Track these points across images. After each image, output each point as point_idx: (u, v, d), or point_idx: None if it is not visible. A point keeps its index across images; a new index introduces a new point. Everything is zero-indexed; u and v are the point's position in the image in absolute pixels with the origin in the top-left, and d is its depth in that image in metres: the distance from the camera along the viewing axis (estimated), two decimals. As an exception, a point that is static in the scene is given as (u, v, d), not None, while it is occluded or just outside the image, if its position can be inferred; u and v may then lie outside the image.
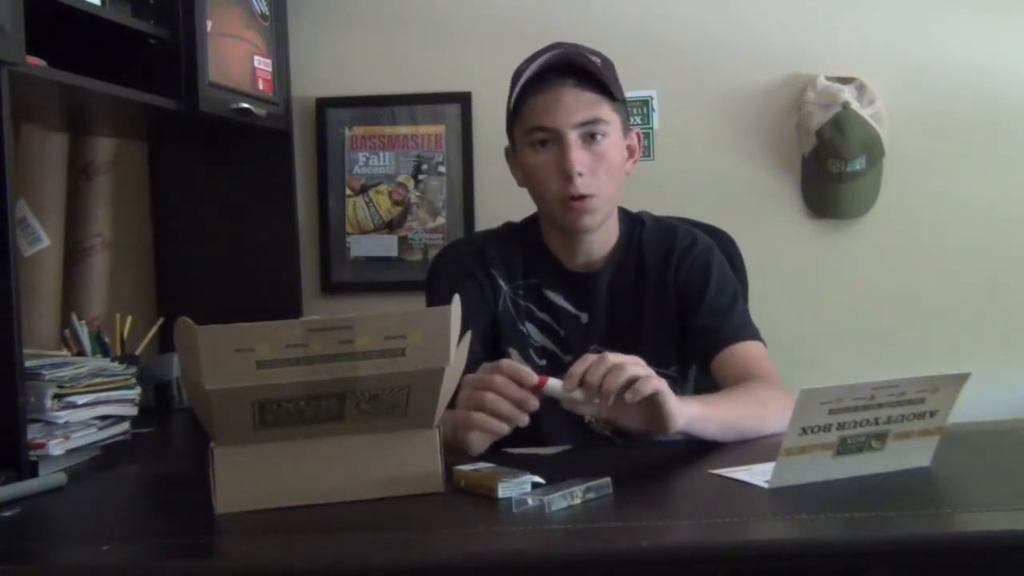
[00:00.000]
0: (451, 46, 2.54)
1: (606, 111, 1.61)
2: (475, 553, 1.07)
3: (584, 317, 1.69)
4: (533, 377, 1.32)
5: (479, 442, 1.34)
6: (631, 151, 1.68)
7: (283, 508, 1.19)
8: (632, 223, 1.74)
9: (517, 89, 1.61)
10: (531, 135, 1.61)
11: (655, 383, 1.32)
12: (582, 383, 1.31)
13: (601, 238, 1.68)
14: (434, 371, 1.18)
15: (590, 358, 1.33)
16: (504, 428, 1.32)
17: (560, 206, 1.61)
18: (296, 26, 2.49)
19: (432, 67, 2.55)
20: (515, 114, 1.63)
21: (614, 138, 1.62)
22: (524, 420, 1.32)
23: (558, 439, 1.56)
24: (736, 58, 2.49)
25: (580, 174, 1.58)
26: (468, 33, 2.53)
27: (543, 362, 1.67)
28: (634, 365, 1.32)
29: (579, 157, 1.58)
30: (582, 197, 1.59)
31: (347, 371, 1.14)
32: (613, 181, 1.63)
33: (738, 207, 2.43)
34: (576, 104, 1.58)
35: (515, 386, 1.31)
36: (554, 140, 1.59)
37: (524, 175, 1.66)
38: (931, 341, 2.47)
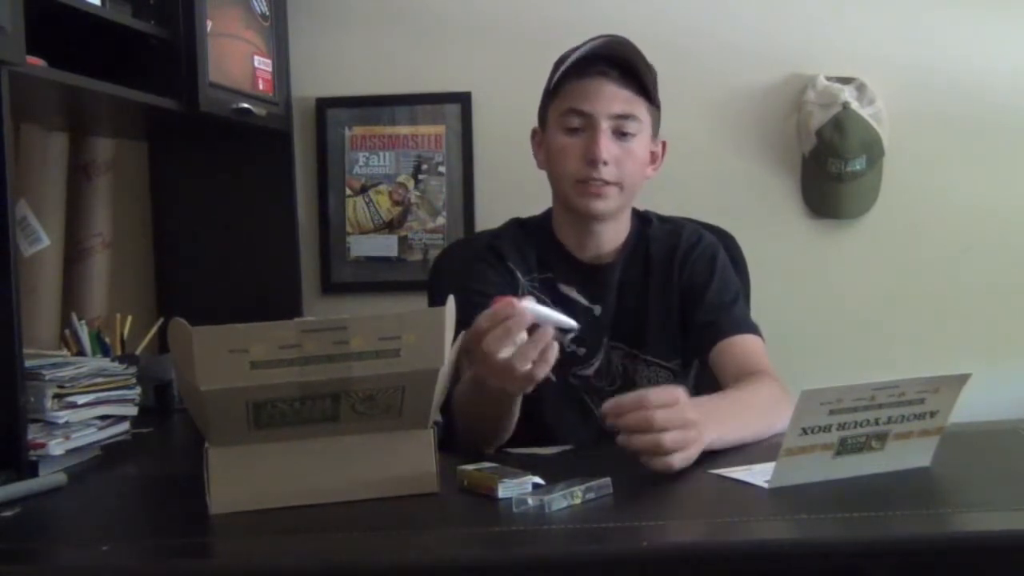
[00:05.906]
0: (451, 46, 2.54)
1: (641, 110, 1.63)
2: (475, 553, 1.07)
3: (597, 310, 1.69)
4: (511, 306, 1.25)
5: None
6: (653, 157, 1.70)
7: (279, 508, 1.19)
8: (640, 220, 1.75)
9: (561, 70, 1.61)
10: (565, 117, 1.62)
11: (694, 451, 1.27)
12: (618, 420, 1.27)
13: (613, 230, 1.69)
14: (429, 372, 1.18)
15: (636, 405, 1.26)
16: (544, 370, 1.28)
17: (577, 187, 1.62)
18: (296, 26, 2.49)
19: (432, 67, 2.54)
20: (552, 94, 1.64)
21: (643, 138, 1.64)
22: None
23: (570, 434, 1.56)
24: (736, 58, 2.49)
25: (605, 162, 1.59)
26: (468, 33, 2.53)
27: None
28: (685, 429, 1.26)
29: (607, 146, 1.59)
30: (603, 183, 1.60)
31: (342, 372, 1.14)
32: (634, 177, 1.64)
33: (738, 207, 2.43)
34: (615, 96, 1.60)
35: (507, 334, 1.24)
36: (586, 126, 1.60)
37: (547, 154, 1.67)
38: (931, 341, 2.47)
